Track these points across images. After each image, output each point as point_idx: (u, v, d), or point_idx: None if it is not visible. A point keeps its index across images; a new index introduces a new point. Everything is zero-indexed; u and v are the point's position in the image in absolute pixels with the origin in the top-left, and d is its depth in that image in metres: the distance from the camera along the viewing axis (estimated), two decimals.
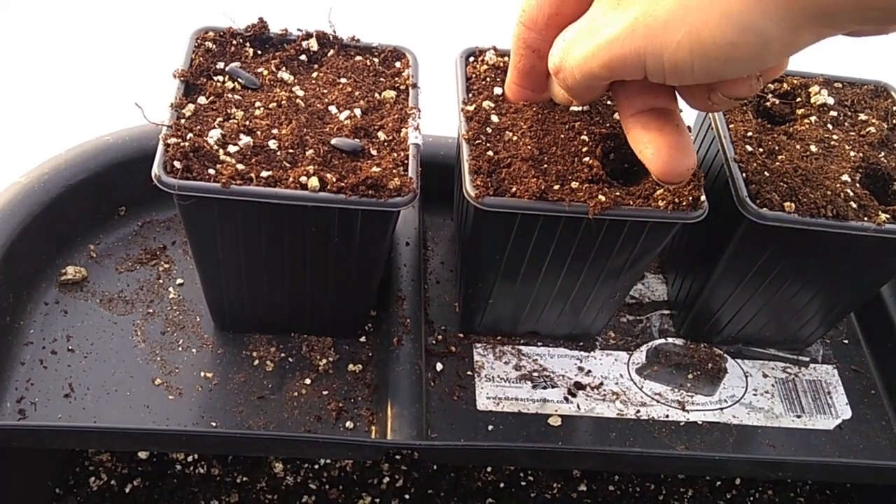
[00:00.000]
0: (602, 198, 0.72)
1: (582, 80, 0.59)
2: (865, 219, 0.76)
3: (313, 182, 0.68)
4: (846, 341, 0.98)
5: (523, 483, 1.13)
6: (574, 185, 0.73)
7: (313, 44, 0.81)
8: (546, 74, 0.67)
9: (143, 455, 1.06)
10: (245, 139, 0.71)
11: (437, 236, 1.01)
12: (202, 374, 0.84)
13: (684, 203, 0.73)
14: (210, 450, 0.85)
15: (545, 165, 0.75)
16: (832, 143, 0.82)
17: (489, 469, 1.13)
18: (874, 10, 0.44)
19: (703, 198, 0.73)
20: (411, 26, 1.11)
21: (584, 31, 0.56)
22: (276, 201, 0.68)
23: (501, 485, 1.13)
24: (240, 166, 0.69)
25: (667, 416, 0.88)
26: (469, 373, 0.88)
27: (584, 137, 0.77)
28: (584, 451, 0.81)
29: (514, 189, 0.72)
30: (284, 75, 0.78)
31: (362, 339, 0.89)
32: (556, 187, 0.73)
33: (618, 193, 0.73)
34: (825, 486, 1.18)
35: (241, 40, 0.80)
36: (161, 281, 0.91)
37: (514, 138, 0.76)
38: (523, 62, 0.67)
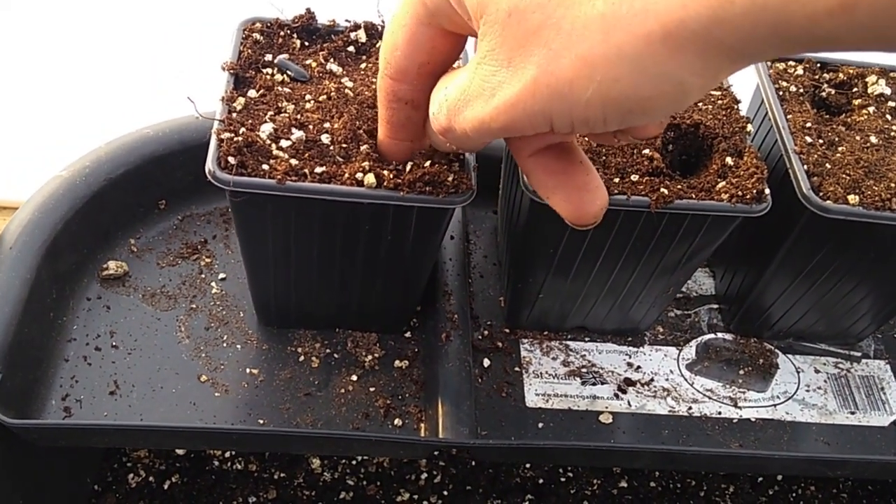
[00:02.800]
0: (664, 191, 0.70)
1: (477, 139, 0.52)
2: None
3: (370, 178, 0.67)
4: None
5: (563, 479, 1.11)
6: (634, 177, 0.72)
7: (361, 35, 0.79)
8: (422, 123, 0.60)
9: (180, 451, 1.05)
10: (297, 133, 0.69)
11: (478, 229, 0.99)
12: (247, 370, 0.82)
13: (748, 196, 0.71)
14: (260, 448, 0.84)
15: (604, 157, 0.73)
16: (892, 133, 0.80)
17: (528, 465, 1.12)
18: (795, 42, 0.40)
19: (766, 191, 0.71)
20: None
21: (474, 92, 0.49)
22: (332, 198, 0.66)
23: (540, 481, 1.11)
24: (293, 161, 0.67)
25: (719, 413, 0.86)
26: (516, 369, 0.87)
27: None
28: (639, 449, 0.80)
29: None
30: (333, 67, 0.76)
31: (408, 334, 0.88)
32: (616, 180, 0.71)
33: (679, 186, 0.72)
34: (868, 482, 1.16)
35: (288, 31, 0.78)
36: (203, 276, 0.89)
37: None
38: (396, 115, 0.60)
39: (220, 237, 0.93)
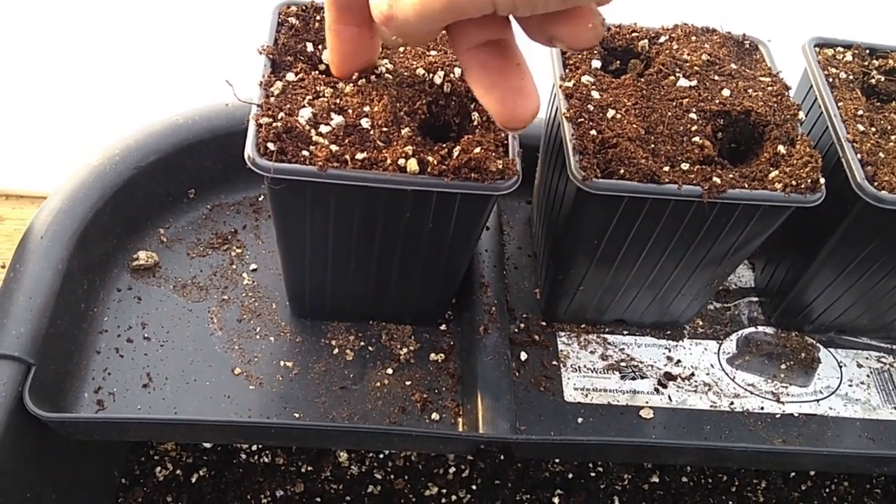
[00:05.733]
0: (717, 180, 0.68)
1: (420, 25, 0.52)
2: None
3: (412, 165, 0.65)
4: None
5: (592, 474, 1.10)
6: (685, 166, 0.70)
7: None
8: (367, 6, 0.57)
9: (207, 444, 1.03)
10: (337, 118, 0.67)
11: (511, 220, 0.97)
12: (281, 363, 0.81)
13: (802, 186, 0.69)
14: (298, 443, 0.82)
15: (653, 145, 0.71)
16: None
17: (556, 460, 1.10)
18: None
19: (821, 180, 0.69)
20: None
21: None
22: (374, 185, 0.64)
23: (570, 475, 1.09)
24: (334, 147, 0.65)
25: (762, 409, 0.84)
26: (554, 363, 0.85)
27: (693, 115, 0.73)
28: (682, 446, 0.78)
29: (622, 171, 0.68)
30: None
31: (443, 327, 0.86)
32: (667, 169, 0.69)
33: (732, 175, 0.70)
34: None
35: (323, 14, 0.76)
36: (234, 266, 0.87)
37: (618, 116, 0.72)
38: None
39: (251, 227, 0.91)
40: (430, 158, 0.65)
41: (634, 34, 0.80)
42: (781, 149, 0.72)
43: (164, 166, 0.87)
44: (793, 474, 1.13)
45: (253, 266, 0.88)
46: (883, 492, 1.13)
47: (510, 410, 0.77)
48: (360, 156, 0.65)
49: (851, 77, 0.80)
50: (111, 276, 0.84)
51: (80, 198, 0.81)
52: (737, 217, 0.71)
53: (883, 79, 0.82)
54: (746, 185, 0.69)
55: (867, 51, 0.84)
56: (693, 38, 0.80)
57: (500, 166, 0.66)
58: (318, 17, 0.76)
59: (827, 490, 1.12)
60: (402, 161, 0.65)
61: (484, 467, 1.09)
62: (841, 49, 0.83)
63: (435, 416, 0.79)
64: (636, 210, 0.70)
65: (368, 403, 0.79)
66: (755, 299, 0.93)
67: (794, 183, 0.69)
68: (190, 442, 0.99)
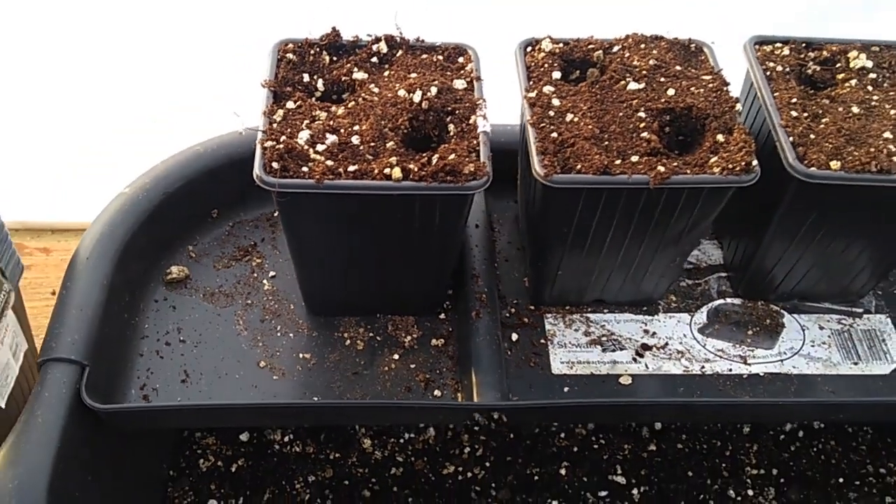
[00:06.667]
0: (661, 168, 0.78)
1: None
2: None
3: (396, 172, 0.76)
4: None
5: (595, 446, 1.19)
6: (634, 158, 0.80)
7: (383, 46, 0.89)
8: None
9: (244, 438, 1.15)
10: (331, 138, 0.79)
11: (501, 218, 1.08)
12: (300, 355, 0.92)
13: (737, 168, 0.79)
14: (317, 422, 0.93)
15: (606, 142, 0.81)
16: (873, 103, 0.87)
17: (562, 435, 1.20)
18: None
19: (754, 162, 0.79)
20: (464, 25, 1.18)
21: None
22: (365, 192, 0.76)
23: (575, 449, 1.19)
24: (329, 162, 0.77)
25: (730, 370, 0.94)
26: (542, 341, 0.95)
27: (642, 114, 0.84)
28: (655, 403, 0.88)
29: (578, 166, 0.79)
30: (359, 75, 0.86)
31: (441, 315, 0.97)
32: (618, 162, 0.80)
33: (675, 163, 0.80)
34: (886, 434, 1.22)
35: (317, 49, 0.88)
36: (255, 275, 0.99)
37: (576, 119, 0.83)
38: None
39: (268, 240, 1.03)
40: (412, 166, 0.77)
41: (591, 46, 0.91)
42: (720, 137, 0.82)
43: (188, 191, 0.99)
44: (782, 437, 1.22)
45: (272, 273, 0.99)
46: (868, 448, 1.22)
47: (500, 382, 0.87)
48: (351, 168, 0.77)
49: (788, 69, 0.90)
50: (149, 289, 0.96)
51: (117, 223, 0.93)
52: (685, 200, 0.81)
53: (818, 68, 0.92)
54: (689, 171, 0.79)
55: (804, 44, 0.93)
56: (642, 45, 0.90)
57: (472, 169, 0.77)
58: (311, 52, 0.88)
59: (814, 449, 1.21)
60: (387, 170, 0.76)
61: (496, 446, 1.19)
62: (779, 45, 0.93)
63: (437, 392, 0.90)
64: (595, 200, 0.81)
65: (378, 385, 0.90)
66: (724, 275, 1.03)
67: (730, 166, 0.79)
68: (223, 425, 1.10)
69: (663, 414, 0.91)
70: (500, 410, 0.85)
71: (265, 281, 0.99)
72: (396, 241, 0.83)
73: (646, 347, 0.95)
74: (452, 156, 0.78)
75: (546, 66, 0.88)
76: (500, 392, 0.86)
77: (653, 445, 1.20)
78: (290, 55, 0.87)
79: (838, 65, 0.92)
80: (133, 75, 1.49)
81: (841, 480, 1.18)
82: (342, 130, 0.80)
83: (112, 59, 1.50)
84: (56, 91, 1.52)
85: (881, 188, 0.81)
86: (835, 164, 0.81)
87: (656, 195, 0.80)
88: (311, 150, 0.78)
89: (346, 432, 1.18)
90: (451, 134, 0.82)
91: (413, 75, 0.86)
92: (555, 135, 0.81)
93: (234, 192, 1.03)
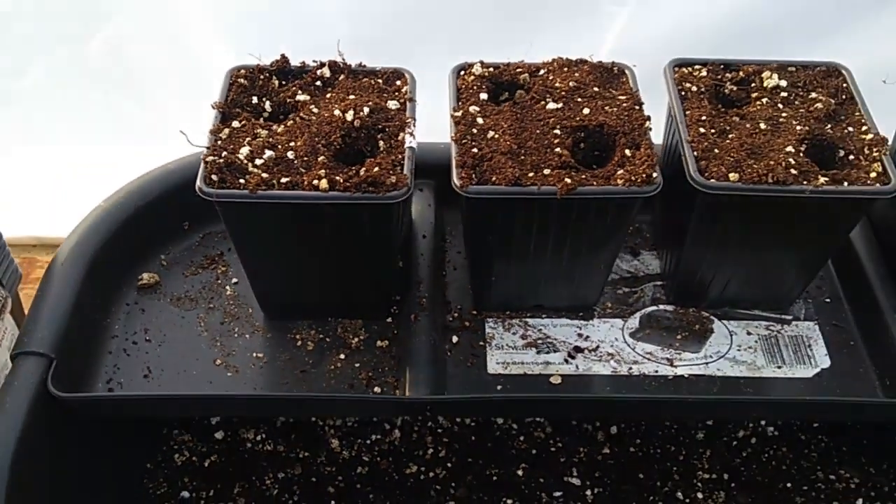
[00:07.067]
0: (568, 180, 0.85)
1: None
2: (805, 182, 0.86)
3: (323, 183, 0.84)
4: (828, 300, 1.08)
5: (553, 449, 1.25)
6: (546, 171, 0.87)
7: (326, 71, 0.97)
8: None
9: (218, 435, 1.23)
10: (269, 153, 0.87)
11: (454, 230, 1.15)
12: (254, 354, 1.00)
13: (639, 180, 0.85)
14: (261, 412, 1.02)
15: (522, 157, 0.88)
16: (780, 119, 0.93)
17: (522, 438, 1.26)
18: None
19: (655, 174, 0.86)
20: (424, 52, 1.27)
21: None
22: (295, 201, 0.84)
23: (533, 451, 1.25)
24: (265, 175, 0.85)
25: (656, 372, 0.99)
26: (481, 343, 1.02)
27: (557, 131, 0.91)
28: (578, 398, 0.94)
29: (493, 178, 0.86)
30: (302, 97, 0.94)
31: (388, 319, 1.04)
32: (531, 175, 0.87)
33: (583, 176, 0.87)
34: (839, 443, 1.26)
35: (267, 74, 0.97)
36: (220, 281, 1.08)
37: (496, 136, 0.90)
38: None
39: (234, 250, 1.11)
40: (339, 178, 0.85)
41: (518, 70, 0.98)
42: (628, 152, 0.89)
43: (161, 205, 1.09)
44: (735, 443, 1.26)
45: (235, 280, 1.08)
46: (820, 455, 1.25)
47: (432, 379, 0.94)
48: (284, 180, 0.85)
49: (703, 89, 0.97)
50: (121, 293, 1.05)
51: (92, 233, 1.02)
52: (595, 210, 0.88)
53: (735, 88, 0.98)
54: (595, 183, 0.86)
55: (721, 66, 1.00)
56: (566, 68, 0.97)
57: (394, 180, 0.85)
58: (262, 76, 0.97)
59: (766, 455, 1.25)
60: (316, 181, 0.84)
61: (459, 448, 1.26)
62: (698, 66, 1.00)
63: (377, 389, 0.97)
64: (511, 210, 0.88)
65: (323, 383, 0.98)
66: (659, 283, 1.09)
67: (633, 178, 0.85)
68: (175, 415, 1.18)
69: (587, 409, 0.97)
70: (429, 404, 0.92)
71: (228, 287, 1.07)
72: (332, 248, 0.91)
73: (578, 350, 1.01)
74: (377, 169, 0.85)
75: (475, 87, 0.96)
76: (430, 388, 0.93)
77: (607, 449, 1.25)
78: (241, 80, 0.96)
79: (753, 84, 0.98)
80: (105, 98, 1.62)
81: (789, 485, 1.22)
82: (279, 146, 0.88)
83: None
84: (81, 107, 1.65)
85: (779, 199, 0.87)
86: (733, 176, 0.86)
87: (567, 206, 0.87)
88: (249, 164, 0.86)
89: (316, 433, 1.26)
90: (381, 149, 0.90)
91: (351, 97, 0.94)
92: (475, 150, 0.89)
93: (205, 206, 1.10)
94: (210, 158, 0.86)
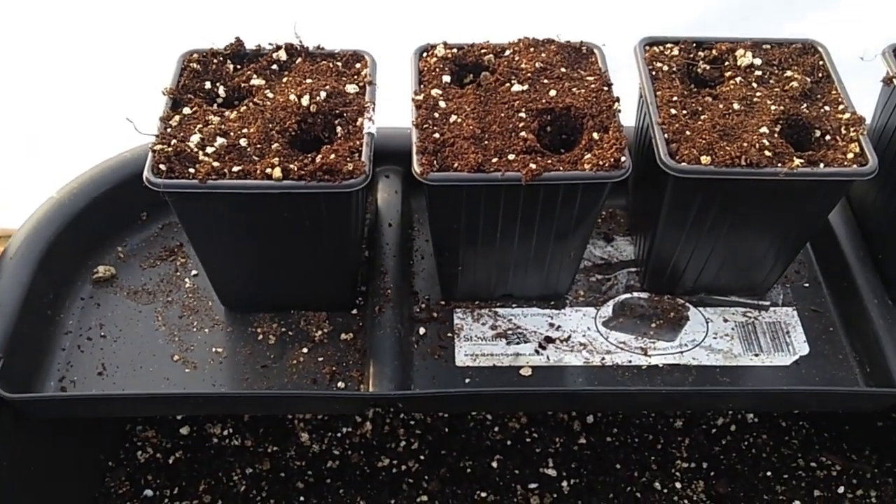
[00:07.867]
0: (533, 165, 0.82)
1: None
2: (779, 165, 0.83)
3: (277, 172, 0.80)
4: (807, 285, 1.05)
5: (528, 440, 1.22)
6: (511, 157, 0.83)
7: (282, 54, 0.93)
8: None
9: (184, 431, 1.19)
10: (220, 140, 0.83)
11: (422, 218, 1.12)
12: (213, 349, 0.96)
13: (607, 164, 0.82)
14: (219, 410, 0.98)
15: (486, 142, 0.85)
16: (755, 99, 0.90)
17: (496, 429, 1.23)
18: None
19: (623, 158, 0.82)
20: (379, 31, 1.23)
21: None
22: (247, 191, 0.80)
23: (508, 442, 1.22)
24: (215, 164, 0.81)
25: (630, 362, 0.96)
26: (449, 334, 0.99)
27: (522, 114, 0.87)
28: (549, 392, 0.91)
29: (455, 164, 0.82)
30: (257, 82, 0.90)
31: (354, 311, 1.01)
32: (495, 160, 0.83)
33: (549, 161, 0.83)
34: (821, 430, 1.23)
35: (221, 58, 0.93)
36: (178, 273, 1.04)
37: (459, 120, 0.86)
38: None
39: None
40: (293, 166, 0.81)
41: (483, 50, 0.94)
42: (595, 136, 0.85)
43: (116, 195, 1.04)
44: (714, 431, 1.23)
45: (194, 272, 1.04)
46: (801, 442, 1.23)
47: (397, 373, 0.91)
48: (236, 168, 0.81)
49: (675, 68, 0.93)
50: (75, 288, 1.01)
51: (43, 226, 0.98)
52: (563, 196, 0.84)
53: (708, 67, 0.94)
54: (561, 168, 0.82)
55: (694, 44, 0.96)
56: (532, 49, 0.93)
57: (351, 168, 0.81)
58: (215, 61, 0.92)
59: (745, 443, 1.22)
60: (269, 170, 0.81)
61: (432, 440, 1.23)
62: (670, 45, 0.96)
63: (341, 384, 0.93)
64: (475, 197, 0.84)
65: (285, 378, 0.94)
66: (633, 270, 1.05)
67: (600, 163, 0.82)
68: (128, 415, 1.15)
69: (558, 402, 0.94)
70: (395, 400, 0.89)
71: (187, 279, 1.03)
72: (289, 238, 0.87)
73: (549, 340, 0.98)
74: (333, 156, 0.82)
75: (437, 70, 0.92)
76: (396, 383, 0.90)
77: (583, 439, 1.22)
78: (194, 64, 0.92)
79: (726, 63, 0.94)
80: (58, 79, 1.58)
81: (769, 474, 1.20)
82: (232, 133, 0.84)
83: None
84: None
85: (752, 181, 0.83)
86: (705, 159, 0.83)
87: (534, 192, 0.83)
88: (200, 153, 0.82)
89: (285, 427, 1.23)
90: (339, 136, 0.86)
91: (308, 81, 0.90)
92: (437, 135, 0.85)
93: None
94: (158, 147, 0.82)
